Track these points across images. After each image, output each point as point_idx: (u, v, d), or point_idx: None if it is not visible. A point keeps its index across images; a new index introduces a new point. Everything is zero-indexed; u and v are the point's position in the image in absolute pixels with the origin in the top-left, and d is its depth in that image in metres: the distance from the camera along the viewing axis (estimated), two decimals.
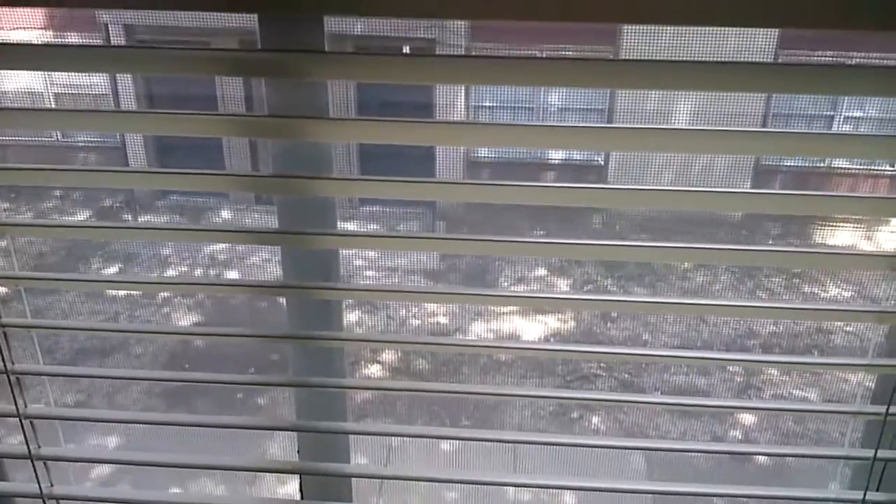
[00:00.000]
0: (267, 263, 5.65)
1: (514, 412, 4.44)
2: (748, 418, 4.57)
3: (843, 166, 6.43)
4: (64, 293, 5.55)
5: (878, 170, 6.38)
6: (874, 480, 0.99)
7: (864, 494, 1.00)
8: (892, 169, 6.36)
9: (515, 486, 0.89)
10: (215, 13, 0.86)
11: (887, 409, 0.95)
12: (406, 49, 6.21)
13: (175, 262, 6.10)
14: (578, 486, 1.02)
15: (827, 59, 5.78)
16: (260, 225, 5.89)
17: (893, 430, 0.99)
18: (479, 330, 5.30)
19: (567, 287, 5.78)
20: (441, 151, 6.58)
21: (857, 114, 6.38)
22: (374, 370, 4.87)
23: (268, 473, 2.65)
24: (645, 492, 1.01)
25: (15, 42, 0.92)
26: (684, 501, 2.63)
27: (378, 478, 1.04)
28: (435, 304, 5.59)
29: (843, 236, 6.08)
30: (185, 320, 5.43)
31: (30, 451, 1.08)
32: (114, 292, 5.82)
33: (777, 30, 4.37)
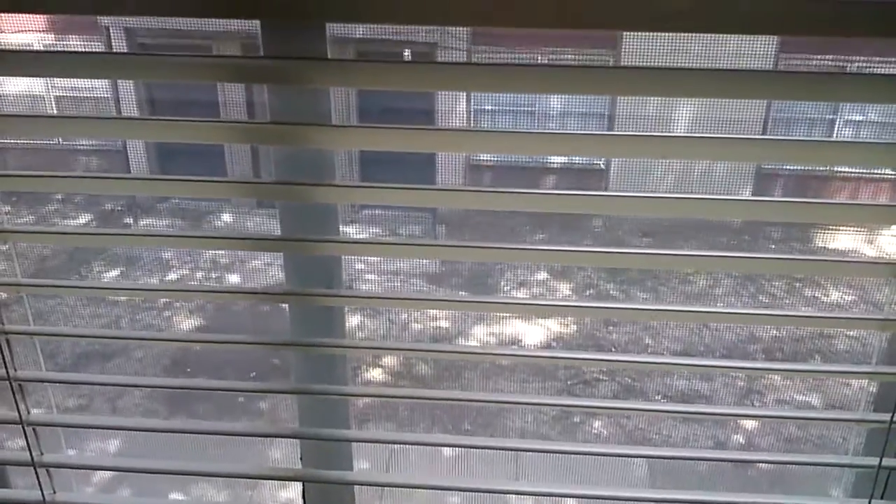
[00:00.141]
0: (269, 267, 5.65)
1: (516, 416, 4.44)
2: (751, 423, 4.56)
3: (845, 170, 6.42)
4: (65, 297, 5.55)
5: (879, 174, 6.38)
6: (878, 488, 0.98)
7: (869, 502, 0.99)
8: (893, 173, 6.36)
9: (518, 493, 0.89)
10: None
11: (892, 417, 0.95)
12: (407, 53, 6.22)
13: (176, 266, 6.10)
14: (581, 493, 1.02)
15: (827, 63, 5.79)
16: (261, 228, 5.91)
17: None
18: (480, 334, 5.30)
19: (569, 291, 5.77)
20: (441, 155, 6.58)
21: (858, 117, 6.38)
22: (376, 374, 4.87)
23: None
24: (647, 500, 1.00)
25: (17, 49, 0.92)
26: None
27: (381, 485, 1.03)
28: (435, 309, 5.59)
29: (844, 240, 6.08)
30: (187, 324, 5.43)
31: (32, 459, 1.07)
32: (114, 295, 5.82)
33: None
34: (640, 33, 0.83)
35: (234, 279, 5.91)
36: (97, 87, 6.64)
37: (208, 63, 0.90)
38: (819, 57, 5.80)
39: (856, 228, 6.03)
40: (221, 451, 3.58)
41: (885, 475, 0.98)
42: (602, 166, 6.77)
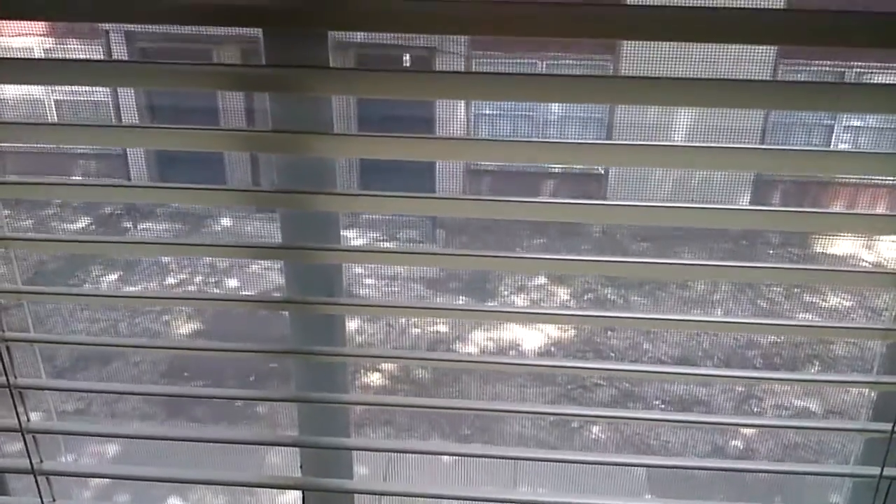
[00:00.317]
0: (268, 271, 5.65)
1: (514, 420, 4.43)
2: (748, 428, 4.56)
3: (844, 177, 6.43)
4: (62, 300, 5.54)
5: (878, 180, 6.39)
6: (879, 499, 0.98)
7: None
8: (893, 180, 6.36)
9: (517, 503, 0.88)
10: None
11: (893, 427, 0.95)
12: (407, 57, 6.22)
13: (175, 270, 6.09)
14: (580, 502, 1.02)
15: (826, 68, 5.80)
16: (261, 232, 5.91)
17: None
18: (479, 338, 5.30)
19: (567, 295, 5.77)
20: (441, 160, 6.59)
21: (857, 123, 6.39)
22: (375, 378, 4.86)
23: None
24: None
25: (17, 57, 0.93)
26: None
27: (380, 494, 1.03)
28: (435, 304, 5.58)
29: (844, 245, 6.08)
30: (186, 328, 5.42)
31: (32, 466, 1.07)
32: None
33: None
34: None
35: (232, 283, 5.90)
36: (97, 91, 6.65)
37: (210, 71, 0.90)
38: (818, 62, 5.82)
39: (855, 236, 6.04)
40: (221, 454, 3.57)
41: (886, 485, 0.99)
42: (601, 171, 6.78)
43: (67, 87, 6.64)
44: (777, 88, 0.87)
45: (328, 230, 1.01)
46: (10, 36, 6.25)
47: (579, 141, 0.89)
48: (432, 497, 0.96)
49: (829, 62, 5.80)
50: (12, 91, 6.66)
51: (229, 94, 5.98)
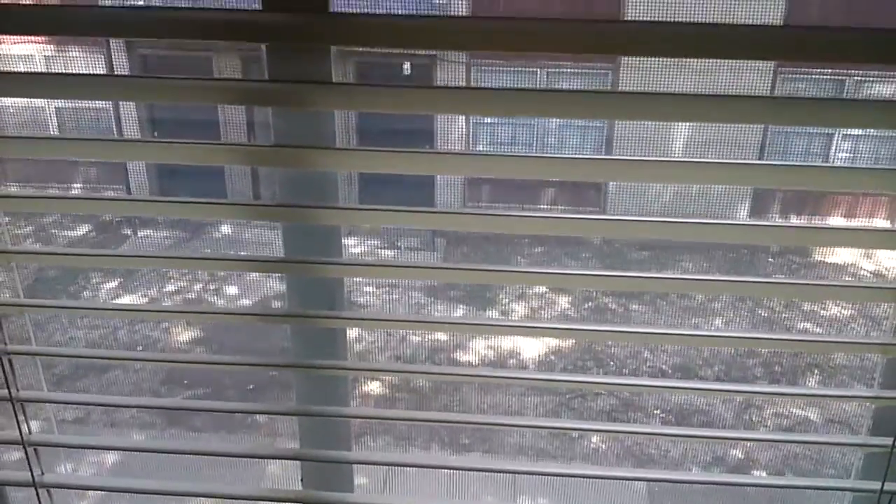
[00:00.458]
0: (268, 279, 5.65)
1: (514, 429, 4.42)
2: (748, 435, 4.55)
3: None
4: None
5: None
6: None
7: None
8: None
9: None
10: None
11: (894, 442, 0.95)
12: (407, 65, 6.23)
13: (175, 277, 6.09)
14: None
15: (826, 76, 5.80)
16: (260, 238, 5.91)
17: None
18: (478, 347, 5.29)
19: (567, 304, 5.77)
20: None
21: (857, 131, 6.40)
22: (374, 386, 4.86)
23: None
24: None
25: (20, 71, 0.93)
26: None
27: None
28: (434, 316, 5.58)
29: (843, 254, 6.09)
30: (185, 335, 5.42)
31: (34, 479, 1.07)
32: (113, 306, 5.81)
33: None
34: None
35: (232, 290, 5.90)
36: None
37: (213, 86, 0.91)
38: (818, 70, 5.83)
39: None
40: (221, 463, 3.56)
41: (887, 500, 0.99)
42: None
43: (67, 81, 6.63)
44: (776, 104, 0.87)
45: (330, 241, 1.02)
46: (11, 43, 6.26)
47: (578, 156, 0.90)
48: None
49: (828, 70, 5.81)
50: (13, 98, 6.67)
51: (231, 106, 5.99)
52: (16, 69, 6.47)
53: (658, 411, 4.62)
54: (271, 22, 0.85)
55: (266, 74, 0.91)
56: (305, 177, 0.97)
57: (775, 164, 0.88)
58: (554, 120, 6.72)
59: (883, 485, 0.97)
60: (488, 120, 6.73)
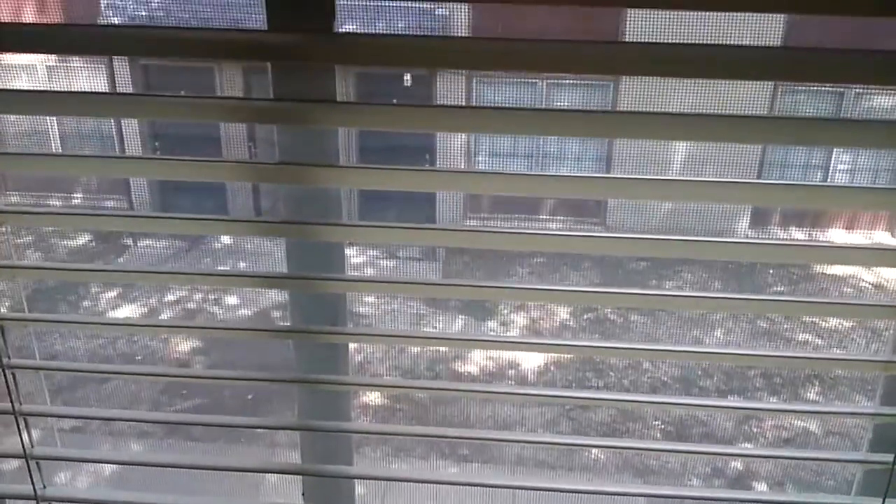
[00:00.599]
0: (269, 289, 5.64)
1: (513, 433, 4.41)
2: (748, 447, 4.54)
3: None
4: (64, 314, 5.54)
5: None
6: None
7: None
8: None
9: None
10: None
11: (895, 458, 0.95)
12: (408, 76, 6.25)
13: (175, 286, 6.09)
14: None
15: (826, 90, 5.82)
16: (260, 248, 5.91)
17: None
18: (478, 357, 5.29)
19: (567, 314, 5.77)
20: None
21: None
22: (374, 396, 4.85)
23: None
24: None
25: (24, 89, 0.94)
26: None
27: None
28: (434, 329, 5.59)
29: (843, 267, 6.09)
30: (185, 345, 5.42)
31: (35, 493, 1.08)
32: (113, 314, 5.82)
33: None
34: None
35: (232, 300, 5.90)
36: None
37: (219, 104, 0.92)
38: (817, 84, 5.84)
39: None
40: (220, 472, 3.55)
41: None
42: None
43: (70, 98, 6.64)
44: (775, 124, 0.88)
45: (333, 255, 1.02)
46: (12, 52, 6.28)
47: (577, 175, 0.91)
48: None
49: (828, 84, 5.82)
50: (16, 115, 6.66)
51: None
52: (18, 82, 6.51)
53: (658, 422, 4.62)
54: (276, 42, 0.86)
55: (271, 90, 0.91)
56: (309, 193, 0.98)
57: (774, 184, 0.88)
58: None
59: (884, 501, 0.98)
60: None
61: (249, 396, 4.72)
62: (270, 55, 0.88)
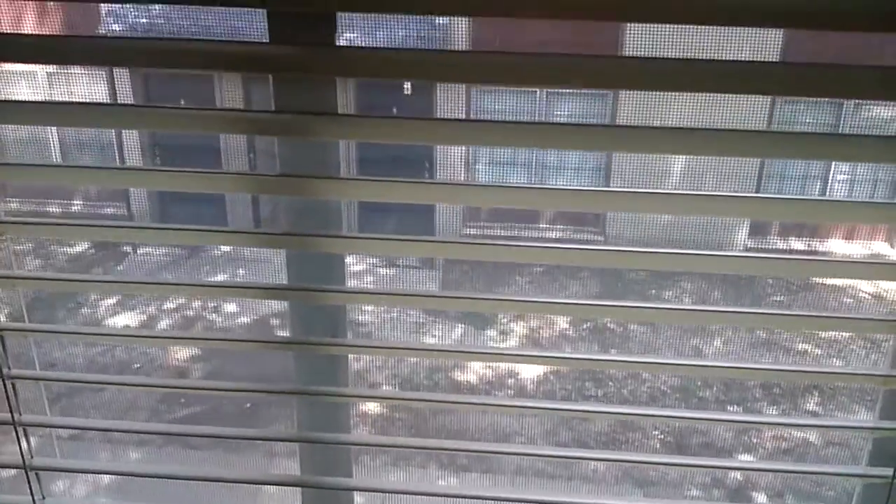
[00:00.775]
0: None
1: (513, 447, 4.40)
2: (747, 458, 4.54)
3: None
4: (63, 320, 5.54)
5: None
6: None
7: None
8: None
9: None
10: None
11: (895, 472, 0.96)
12: (408, 84, 6.26)
13: (174, 294, 6.08)
14: None
15: (825, 101, 5.82)
16: (258, 256, 5.91)
17: None
18: (476, 365, 5.28)
19: (566, 323, 5.76)
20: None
21: None
22: (373, 405, 4.85)
23: None
24: None
25: (25, 100, 0.94)
26: None
27: None
28: (433, 338, 5.59)
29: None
30: (184, 352, 5.41)
31: (34, 502, 1.08)
32: (112, 321, 5.81)
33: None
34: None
35: (231, 308, 5.90)
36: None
37: (220, 116, 0.92)
38: (816, 98, 5.85)
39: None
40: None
41: None
42: None
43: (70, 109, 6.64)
44: (773, 138, 0.89)
45: (333, 266, 1.03)
46: (13, 61, 6.28)
47: (576, 188, 0.91)
48: None
49: (827, 98, 5.83)
50: (17, 126, 6.66)
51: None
52: (18, 88, 6.52)
53: (657, 432, 4.61)
54: (278, 55, 0.86)
55: (272, 102, 0.92)
56: (309, 204, 0.98)
57: (774, 198, 0.89)
58: None
59: None
60: None
61: (248, 405, 4.72)
62: (272, 67, 0.89)
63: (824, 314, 0.91)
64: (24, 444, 1.07)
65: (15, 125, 0.91)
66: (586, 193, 0.93)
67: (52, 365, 5.05)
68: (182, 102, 6.47)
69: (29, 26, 5.68)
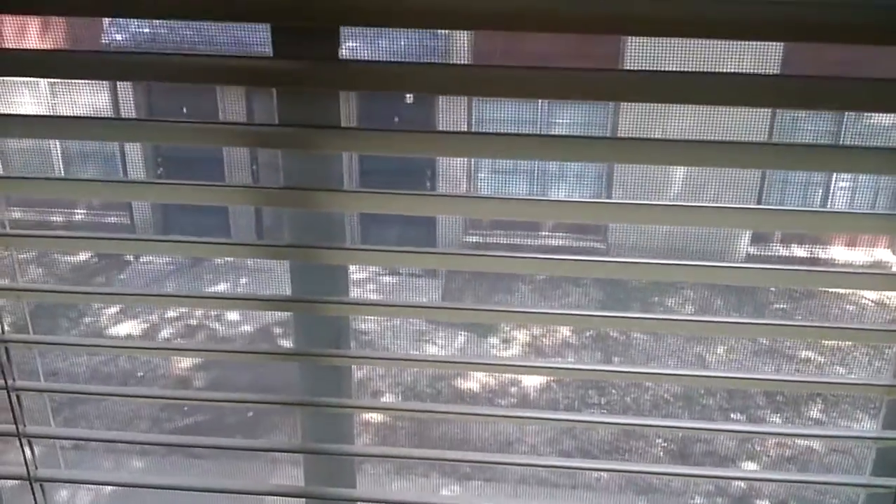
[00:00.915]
0: None
1: (516, 455, 4.40)
2: (752, 465, 4.53)
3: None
4: (66, 329, 5.56)
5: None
6: None
7: None
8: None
9: None
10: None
11: None
12: (409, 95, 6.27)
13: (178, 305, 6.08)
14: None
15: (824, 112, 5.82)
16: (261, 265, 5.91)
17: None
18: (479, 373, 5.28)
19: (569, 331, 5.76)
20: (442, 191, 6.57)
21: None
22: (376, 413, 4.84)
23: None
24: None
25: (28, 114, 0.95)
26: None
27: None
28: (435, 346, 5.59)
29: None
30: (186, 361, 5.41)
31: None
32: (115, 330, 5.82)
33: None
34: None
35: (233, 317, 5.90)
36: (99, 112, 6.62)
37: (224, 129, 0.93)
38: (818, 110, 5.85)
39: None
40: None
41: None
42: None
43: (71, 113, 6.65)
44: (773, 150, 0.89)
45: (337, 277, 1.03)
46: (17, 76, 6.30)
47: (579, 200, 0.92)
48: None
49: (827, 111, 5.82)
50: (19, 139, 6.68)
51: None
52: (21, 98, 6.54)
53: (660, 440, 4.60)
54: (282, 69, 0.87)
55: (276, 115, 0.93)
56: (313, 216, 0.99)
57: (775, 209, 0.89)
58: None
59: None
60: None
61: (250, 413, 4.72)
62: (276, 81, 0.89)
63: (828, 325, 0.91)
64: (28, 455, 1.07)
65: (19, 139, 0.91)
66: (588, 205, 0.93)
67: (54, 373, 5.06)
68: (184, 111, 6.51)
69: (33, 35, 5.70)
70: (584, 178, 6.77)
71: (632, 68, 0.88)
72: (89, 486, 3.98)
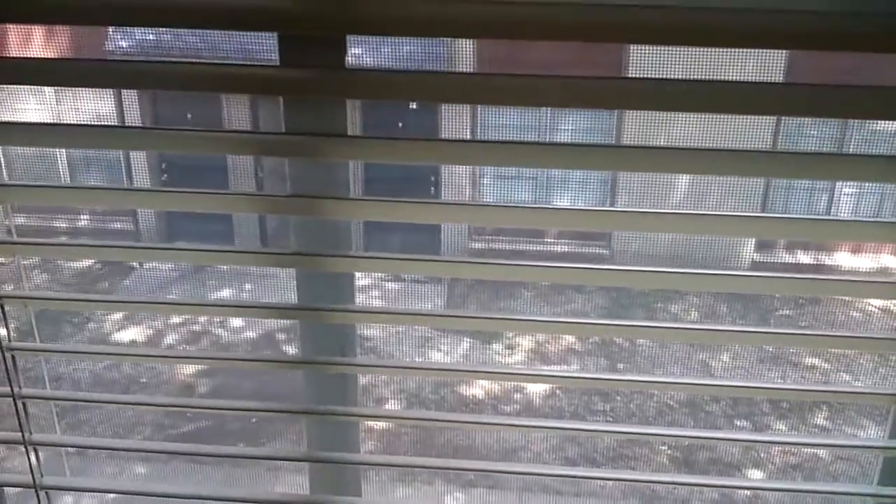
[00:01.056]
0: None
1: (520, 462, 4.39)
2: (758, 473, 4.51)
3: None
4: (70, 334, 5.57)
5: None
6: None
7: None
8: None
9: None
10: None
11: None
12: (413, 105, 6.27)
13: (183, 312, 6.09)
14: None
15: (825, 119, 5.81)
16: (263, 271, 5.91)
17: None
18: (483, 379, 5.27)
19: (573, 338, 5.74)
20: (446, 197, 6.59)
21: None
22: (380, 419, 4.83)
23: None
24: None
25: (34, 122, 0.95)
26: None
27: None
28: (440, 352, 5.59)
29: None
30: (190, 367, 5.42)
31: None
32: (119, 335, 5.82)
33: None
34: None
35: (237, 323, 5.91)
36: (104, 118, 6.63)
37: (230, 138, 0.93)
38: (822, 117, 5.83)
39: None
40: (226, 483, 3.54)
41: None
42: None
43: (75, 119, 6.67)
44: (780, 159, 0.89)
45: (343, 284, 1.03)
46: (22, 84, 6.32)
47: (582, 208, 0.92)
48: None
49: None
50: (24, 147, 6.70)
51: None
52: (26, 104, 6.56)
53: (665, 447, 4.59)
54: (289, 77, 0.87)
55: (282, 123, 0.93)
56: (319, 223, 0.99)
57: (780, 218, 0.89)
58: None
59: None
60: None
61: (253, 420, 4.71)
62: (283, 90, 0.90)
63: (834, 334, 0.91)
64: (33, 462, 1.08)
65: (24, 146, 0.92)
66: (592, 214, 0.93)
67: (58, 378, 5.07)
68: (189, 117, 6.52)
69: (37, 40, 5.72)
70: (589, 184, 6.76)
71: (635, 76, 0.88)
72: (91, 496, 3.98)
